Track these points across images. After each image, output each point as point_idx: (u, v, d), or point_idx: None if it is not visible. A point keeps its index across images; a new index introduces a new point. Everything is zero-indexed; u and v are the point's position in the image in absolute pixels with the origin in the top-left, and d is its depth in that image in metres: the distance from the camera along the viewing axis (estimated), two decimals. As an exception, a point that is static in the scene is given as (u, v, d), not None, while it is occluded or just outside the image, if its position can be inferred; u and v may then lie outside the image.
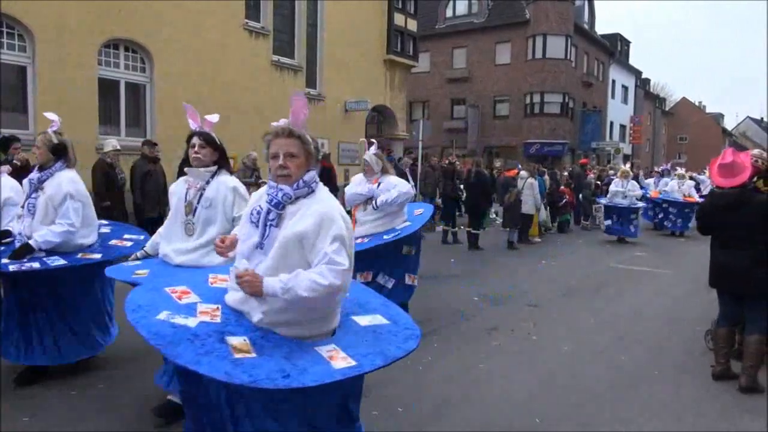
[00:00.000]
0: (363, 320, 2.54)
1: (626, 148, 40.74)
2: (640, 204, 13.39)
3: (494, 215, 14.43)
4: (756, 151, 5.30)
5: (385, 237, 5.19)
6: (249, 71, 14.17)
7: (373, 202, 5.37)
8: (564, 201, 14.84)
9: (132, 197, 8.89)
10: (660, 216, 15.37)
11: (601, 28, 40.13)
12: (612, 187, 13.32)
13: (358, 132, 18.09)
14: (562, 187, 15.07)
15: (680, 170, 16.08)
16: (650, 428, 3.65)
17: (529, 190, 12.27)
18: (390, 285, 5.33)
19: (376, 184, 5.50)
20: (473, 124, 31.32)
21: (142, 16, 11.75)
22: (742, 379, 4.27)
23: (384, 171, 5.64)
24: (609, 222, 13.36)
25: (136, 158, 9.19)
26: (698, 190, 20.06)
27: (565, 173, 17.71)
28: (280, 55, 15.28)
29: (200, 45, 12.93)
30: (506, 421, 3.71)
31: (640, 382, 4.46)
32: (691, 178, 23.62)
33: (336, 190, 12.93)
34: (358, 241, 5.10)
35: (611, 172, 19.90)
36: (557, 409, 3.91)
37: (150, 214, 8.73)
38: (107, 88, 11.61)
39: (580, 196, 15.96)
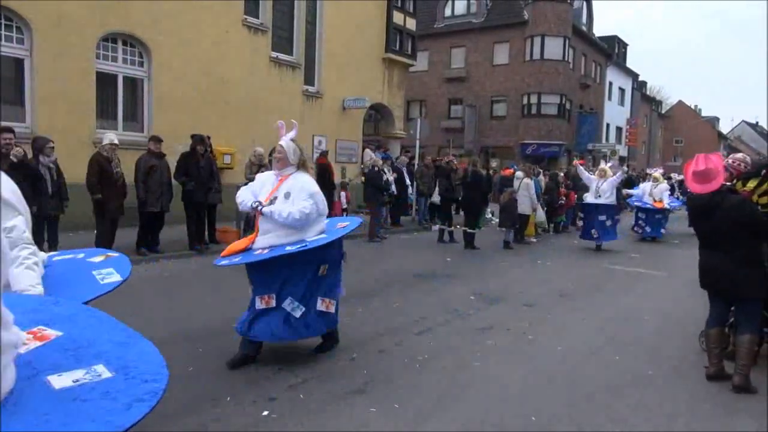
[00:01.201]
0: (62, 380, 1.56)
1: (622, 150, 40.85)
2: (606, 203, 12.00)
3: (490, 215, 14.48)
4: (740, 156, 5.36)
5: (288, 248, 4.28)
6: (247, 67, 14.17)
7: (260, 205, 4.40)
8: (560, 203, 14.92)
9: (135, 191, 8.87)
10: (633, 221, 14.77)
11: (599, 30, 40.18)
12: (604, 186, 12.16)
13: (356, 130, 18.11)
14: (563, 189, 15.14)
15: (656, 172, 15.17)
16: (644, 428, 3.69)
17: (525, 190, 12.32)
18: (298, 313, 4.42)
19: (282, 184, 4.49)
20: (470, 123, 31.35)
21: (141, 10, 11.74)
22: (735, 378, 4.31)
23: (302, 166, 4.59)
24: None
25: (137, 153, 9.27)
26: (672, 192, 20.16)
27: (561, 174, 17.79)
28: (279, 51, 15.28)
29: (199, 40, 12.92)
30: (501, 418, 3.74)
31: (634, 382, 4.50)
32: (669, 177, 23.68)
33: (333, 187, 12.98)
34: (256, 252, 4.38)
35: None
36: (552, 407, 3.94)
37: (152, 209, 8.78)
38: (105, 82, 11.60)
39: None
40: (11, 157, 7.06)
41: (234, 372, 4.34)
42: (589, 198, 12.08)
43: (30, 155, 7.54)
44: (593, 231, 11.80)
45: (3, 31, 10.08)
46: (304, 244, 4.30)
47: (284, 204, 4.36)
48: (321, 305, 4.53)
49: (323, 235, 4.52)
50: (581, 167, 12.96)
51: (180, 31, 12.48)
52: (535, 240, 12.97)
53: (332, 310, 4.65)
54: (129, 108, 12.22)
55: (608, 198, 11.74)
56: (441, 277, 8.47)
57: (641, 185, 15.08)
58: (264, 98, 14.62)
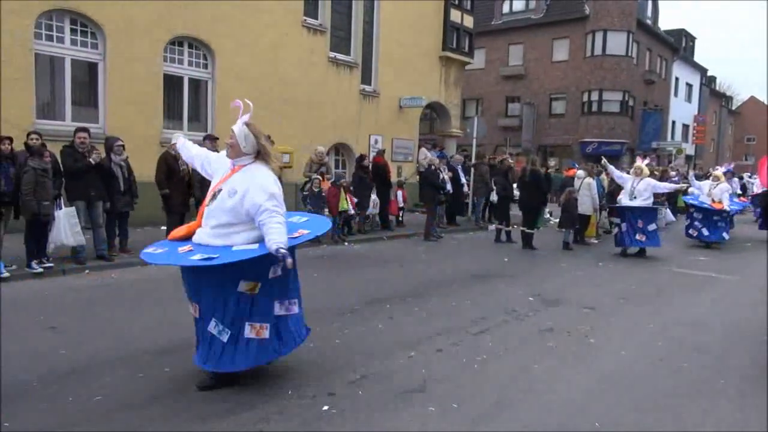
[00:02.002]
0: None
1: (689, 149, 39.18)
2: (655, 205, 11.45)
3: (549, 215, 14.17)
4: None
5: (194, 258, 3.64)
6: (306, 67, 14.41)
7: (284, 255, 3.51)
8: None
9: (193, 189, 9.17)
10: (686, 222, 13.18)
11: (666, 23, 38.72)
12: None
13: (412, 129, 18.12)
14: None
15: (718, 171, 13.65)
16: (715, 438, 3.53)
17: (587, 190, 12.00)
18: (225, 338, 3.75)
19: (232, 176, 3.82)
20: (528, 121, 30.82)
21: (205, 14, 12.13)
22: None
23: (261, 157, 3.85)
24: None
25: None
26: (743, 194, 18.95)
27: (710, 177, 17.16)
28: (337, 51, 15.46)
29: (260, 42, 13.24)
30: (563, 423, 3.66)
31: (703, 390, 4.31)
32: (741, 177, 22.20)
33: (389, 186, 13.02)
34: (180, 250, 3.80)
35: (673, 173, 19.26)
36: (616, 413, 3.82)
37: None
38: (171, 84, 12.05)
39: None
40: (90, 159, 7.52)
41: (296, 367, 4.43)
42: (623, 200, 10.94)
43: (103, 154, 7.96)
44: (638, 236, 10.55)
45: (79, 37, 10.63)
46: (210, 257, 3.57)
47: (229, 200, 3.70)
48: (250, 331, 3.80)
49: (253, 246, 3.70)
50: (611, 166, 11.76)
51: (241, 33, 12.83)
52: (596, 241, 12.60)
53: (265, 335, 3.84)
54: (193, 109, 12.66)
55: (646, 200, 10.69)
56: (498, 278, 8.36)
57: (700, 183, 13.63)
58: (322, 98, 14.83)
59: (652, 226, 10.65)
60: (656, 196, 15.54)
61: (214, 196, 3.81)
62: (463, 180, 14.84)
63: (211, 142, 9.22)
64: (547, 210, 13.50)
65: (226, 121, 12.36)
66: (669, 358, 5.05)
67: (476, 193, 14.97)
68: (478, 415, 3.72)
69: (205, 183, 8.76)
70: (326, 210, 11.26)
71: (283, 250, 3.47)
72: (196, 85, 12.64)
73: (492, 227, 13.23)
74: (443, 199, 12.85)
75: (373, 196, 12.26)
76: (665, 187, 11.52)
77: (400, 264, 9.28)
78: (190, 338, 4.25)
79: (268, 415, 3.59)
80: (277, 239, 3.51)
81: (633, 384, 4.38)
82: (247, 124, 3.81)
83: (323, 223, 4.47)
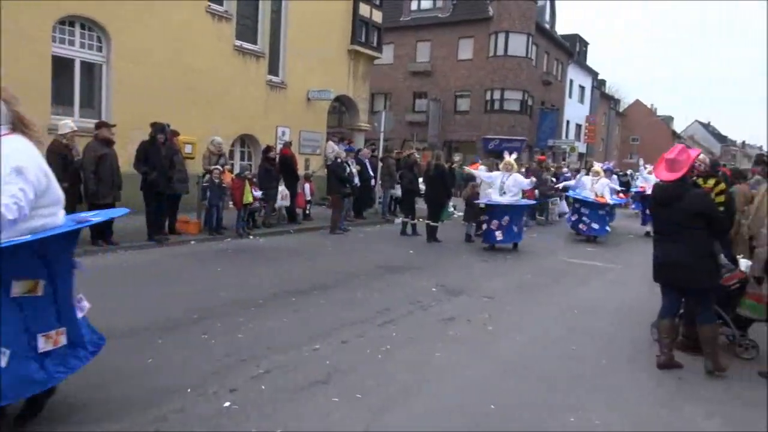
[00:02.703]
0: None
1: (581, 147, 41.80)
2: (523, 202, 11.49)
3: (452, 208, 14.63)
4: (701, 156, 5.72)
5: None
6: (211, 55, 13.92)
7: None
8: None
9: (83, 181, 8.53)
10: (574, 218, 13.37)
11: (561, 28, 41.01)
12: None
13: (321, 121, 18.01)
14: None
15: (597, 166, 14.28)
16: (599, 415, 3.82)
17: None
18: (3, 362, 2.89)
19: None
20: (434, 117, 31.56)
21: (100, -7, 11.37)
22: (708, 363, 4.59)
23: (18, 129, 3.09)
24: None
25: (89, 140, 8.72)
26: (626, 190, 20.54)
27: (522, 170, 18.08)
28: (243, 40, 15.06)
29: (161, 26, 12.63)
30: (462, 407, 3.81)
31: (590, 371, 4.64)
32: (625, 174, 23.93)
33: (296, 178, 12.90)
34: None
35: (565, 170, 20.50)
36: (512, 396, 4.04)
37: (105, 200, 8.39)
38: (61, 67, 11.22)
39: (537, 192, 16.27)
40: None
41: (195, 363, 4.30)
42: (493, 196, 10.81)
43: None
44: (498, 233, 10.48)
45: (-49, 10, 9.64)
46: None
47: None
48: (45, 343, 3.09)
49: (26, 236, 2.95)
50: (475, 171, 11.93)
51: (141, 16, 12.16)
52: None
53: (63, 342, 3.19)
54: (86, 94, 11.87)
55: (514, 195, 10.70)
56: (404, 270, 8.53)
57: (583, 178, 14.07)
58: (227, 87, 14.40)
59: (515, 227, 10.62)
60: (555, 189, 16.51)
61: None
62: (371, 174, 14.99)
63: (107, 129, 8.62)
64: (451, 204, 13.91)
65: (122, 107, 11.77)
66: (560, 342, 5.39)
67: (383, 187, 15.17)
68: (382, 403, 3.80)
69: (101, 173, 8.29)
70: (230, 203, 10.98)
71: None
72: (89, 68, 11.85)
73: (398, 220, 13.45)
74: (349, 192, 12.89)
75: (282, 188, 12.08)
76: (528, 183, 11.32)
77: (306, 257, 9.24)
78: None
79: (166, 414, 3.47)
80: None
81: (527, 368, 4.64)
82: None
83: (119, 211, 4.01)
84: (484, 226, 10.89)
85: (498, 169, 11.54)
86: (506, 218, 10.54)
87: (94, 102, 11.99)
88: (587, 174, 14.94)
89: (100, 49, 11.84)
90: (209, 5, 13.84)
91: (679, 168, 4.57)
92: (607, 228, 13.12)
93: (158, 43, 12.59)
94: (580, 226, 12.97)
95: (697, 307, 4.67)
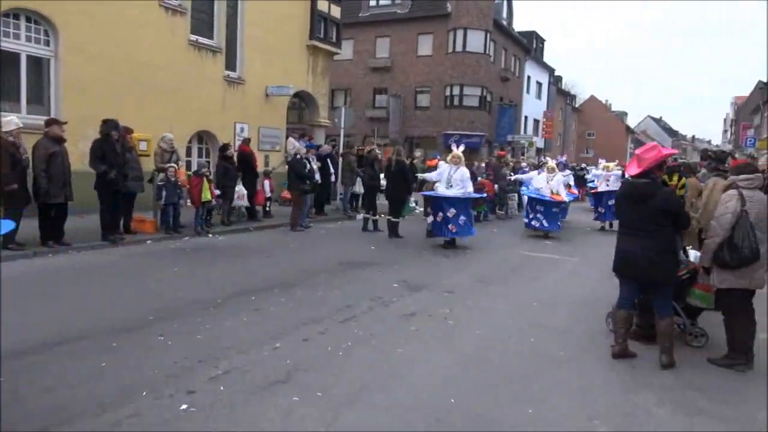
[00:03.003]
0: None
1: (539, 142, 42.56)
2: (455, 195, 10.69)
3: (414, 204, 14.69)
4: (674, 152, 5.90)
5: None
6: (165, 50, 13.58)
7: None
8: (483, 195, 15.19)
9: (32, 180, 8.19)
10: (529, 215, 13.12)
11: (519, 25, 41.64)
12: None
13: (280, 118, 17.82)
14: (480, 179, 15.50)
15: (551, 162, 14.14)
16: (557, 405, 3.89)
17: (448, 179, 12.57)
18: None
19: None
20: (395, 113, 31.62)
21: (46, -15, 10.95)
22: (663, 357, 4.68)
23: None
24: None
25: (38, 138, 8.40)
26: (582, 184, 20.90)
27: (483, 165, 18.31)
28: (199, 34, 14.74)
29: (112, 20, 12.24)
30: (423, 402, 3.83)
31: (548, 362, 4.73)
32: (582, 169, 24.42)
33: (256, 176, 12.73)
34: None
35: (524, 164, 20.84)
36: (471, 389, 4.08)
37: (56, 200, 8.13)
38: (6, 61, 10.77)
39: (496, 186, 16.51)
40: None
41: (151, 365, 4.20)
42: (440, 188, 10.65)
43: None
44: (450, 226, 10.28)
45: None
46: None
47: None
48: None
49: None
50: (427, 175, 11.73)
51: (89, 9, 11.75)
52: (456, 229, 13.28)
53: None
54: (34, 90, 11.42)
55: (461, 189, 10.39)
56: (365, 266, 8.52)
57: (536, 175, 13.86)
58: (183, 83, 14.08)
59: (462, 218, 10.35)
60: (513, 183, 16.65)
61: None
62: (332, 170, 14.91)
63: (58, 126, 8.28)
64: (412, 199, 13.97)
65: (73, 104, 11.39)
66: (519, 334, 5.47)
67: (344, 183, 15.11)
68: (342, 400, 3.78)
69: (52, 171, 7.97)
70: (188, 201, 10.77)
71: None
72: (37, 63, 11.40)
73: (360, 216, 13.43)
74: (308, 189, 12.77)
75: (239, 187, 11.89)
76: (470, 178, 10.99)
77: (266, 255, 9.13)
78: None
79: (120, 419, 3.37)
80: None
81: (486, 361, 4.70)
82: None
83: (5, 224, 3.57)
84: (430, 218, 10.78)
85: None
86: (452, 210, 10.27)
87: (43, 98, 11.54)
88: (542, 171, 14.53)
89: (48, 43, 11.41)
90: (163, -1, 13.49)
91: (641, 164, 4.69)
92: (559, 224, 13.19)
93: (109, 37, 12.20)
94: (533, 222, 12.87)
95: (657, 301, 4.79)
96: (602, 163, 16.99)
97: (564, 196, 13.10)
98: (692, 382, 4.42)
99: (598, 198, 15.24)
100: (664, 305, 4.77)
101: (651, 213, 4.61)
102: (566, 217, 14.91)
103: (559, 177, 13.37)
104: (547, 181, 13.07)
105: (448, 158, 10.97)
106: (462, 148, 11.29)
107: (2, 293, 5.30)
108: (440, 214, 10.44)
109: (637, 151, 4.87)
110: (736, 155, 9.39)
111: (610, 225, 14.41)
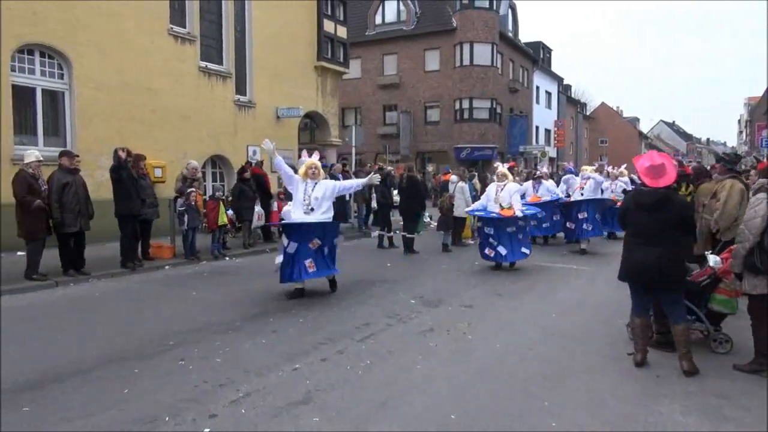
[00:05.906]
0: None
1: (552, 152, 42.41)
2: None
3: (428, 218, 14.68)
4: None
5: None
6: (175, 77, 13.83)
7: None
8: None
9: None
10: (481, 240, 10.33)
11: (525, 36, 41.86)
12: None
13: (291, 139, 17.98)
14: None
15: (501, 167, 10.60)
16: (580, 418, 3.84)
17: (460, 193, 12.58)
18: None
19: None
20: (405, 129, 31.76)
21: (58, 20, 11.24)
22: (684, 364, 4.60)
23: None
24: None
25: (54, 169, 8.56)
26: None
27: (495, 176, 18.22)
28: (209, 61, 14.99)
29: (123, 50, 12.51)
30: (443, 418, 3.81)
31: (567, 373, 4.68)
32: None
33: (270, 197, 12.83)
34: None
35: (537, 173, 20.69)
36: (492, 403, 4.04)
37: (70, 229, 8.24)
38: (22, 96, 11.02)
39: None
40: None
41: (172, 391, 4.22)
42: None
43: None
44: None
45: None
46: None
47: None
48: None
49: None
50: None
51: (101, 41, 12.03)
52: (472, 242, 13.22)
53: None
54: (50, 122, 11.66)
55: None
56: (382, 283, 8.52)
57: (488, 188, 10.62)
58: (194, 109, 14.30)
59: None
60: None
61: None
62: (345, 188, 14.97)
63: (68, 158, 8.43)
64: (427, 214, 13.98)
65: (88, 134, 11.61)
66: (538, 346, 5.42)
67: (357, 201, 15.16)
68: (362, 419, 3.77)
69: (65, 201, 8.11)
70: (205, 224, 10.88)
71: None
72: (52, 96, 11.66)
73: (375, 233, 13.45)
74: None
75: (257, 208, 11.98)
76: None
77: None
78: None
79: (143, 446, 3.40)
80: None
81: (506, 374, 4.66)
82: None
83: None
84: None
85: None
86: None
87: (59, 130, 11.79)
88: (528, 179, 13.38)
89: (62, 77, 11.67)
90: (171, 27, 13.76)
91: (666, 173, 4.64)
92: (524, 250, 9.73)
93: (121, 68, 12.46)
94: (486, 251, 9.71)
95: (668, 307, 4.74)
96: (587, 168, 14.10)
97: (517, 211, 9.50)
98: (718, 390, 4.34)
99: (568, 211, 12.41)
100: (677, 310, 4.71)
101: (668, 220, 4.58)
102: (558, 231, 13.07)
103: (511, 186, 9.91)
104: (496, 192, 9.82)
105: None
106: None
107: (25, 323, 5.38)
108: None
109: (654, 163, 4.73)
110: (755, 156, 9.22)
111: (588, 242, 11.96)
